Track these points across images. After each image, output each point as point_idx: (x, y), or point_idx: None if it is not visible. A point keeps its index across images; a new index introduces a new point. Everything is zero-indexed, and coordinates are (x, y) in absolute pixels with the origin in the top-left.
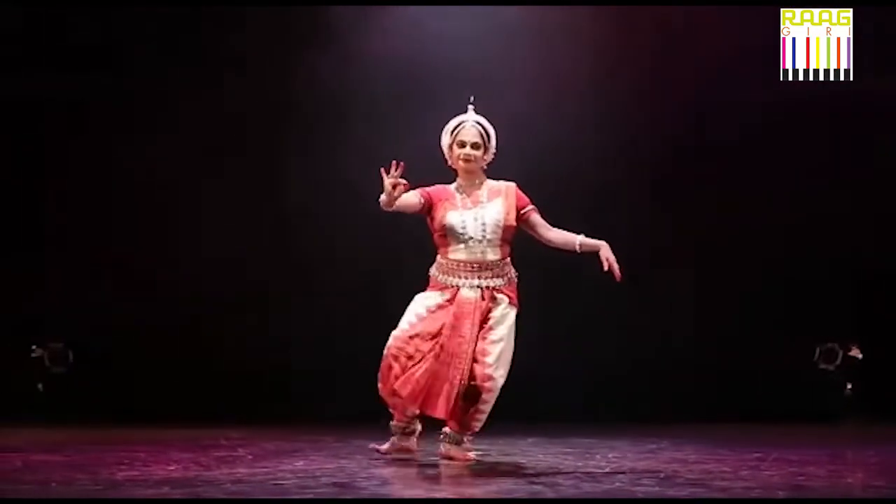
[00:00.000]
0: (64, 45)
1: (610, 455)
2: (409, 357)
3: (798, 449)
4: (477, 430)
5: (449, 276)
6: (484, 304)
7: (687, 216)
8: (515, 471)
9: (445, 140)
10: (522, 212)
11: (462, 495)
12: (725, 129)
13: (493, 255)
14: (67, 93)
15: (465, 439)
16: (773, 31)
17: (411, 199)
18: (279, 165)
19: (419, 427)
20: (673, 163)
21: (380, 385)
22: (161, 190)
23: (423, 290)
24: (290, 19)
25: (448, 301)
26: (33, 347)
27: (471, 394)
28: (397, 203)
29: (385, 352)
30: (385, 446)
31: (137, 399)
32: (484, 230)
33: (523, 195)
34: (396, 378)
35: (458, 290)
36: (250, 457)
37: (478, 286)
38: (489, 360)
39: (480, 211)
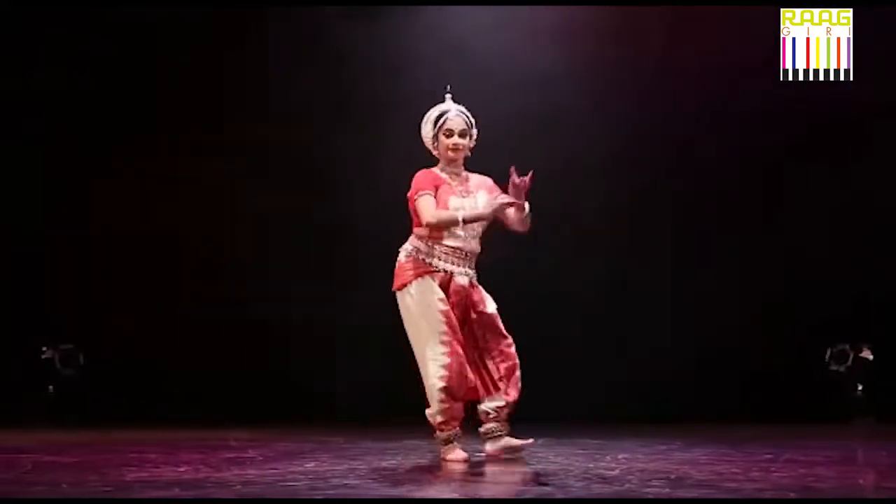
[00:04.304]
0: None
1: (620, 456)
2: (464, 363)
3: (809, 450)
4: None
5: (441, 261)
6: (474, 291)
7: (692, 217)
8: (525, 472)
9: (428, 130)
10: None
11: (472, 496)
12: (725, 129)
13: (477, 246)
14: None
15: (506, 428)
16: (773, 31)
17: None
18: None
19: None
20: (675, 163)
21: (443, 406)
22: (173, 192)
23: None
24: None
25: (443, 290)
26: (44, 349)
27: (511, 373)
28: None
29: (445, 373)
30: (455, 455)
31: (147, 400)
32: None
33: (495, 187)
34: (464, 389)
35: (452, 276)
36: (260, 458)
37: (466, 274)
38: (508, 337)
39: (474, 200)
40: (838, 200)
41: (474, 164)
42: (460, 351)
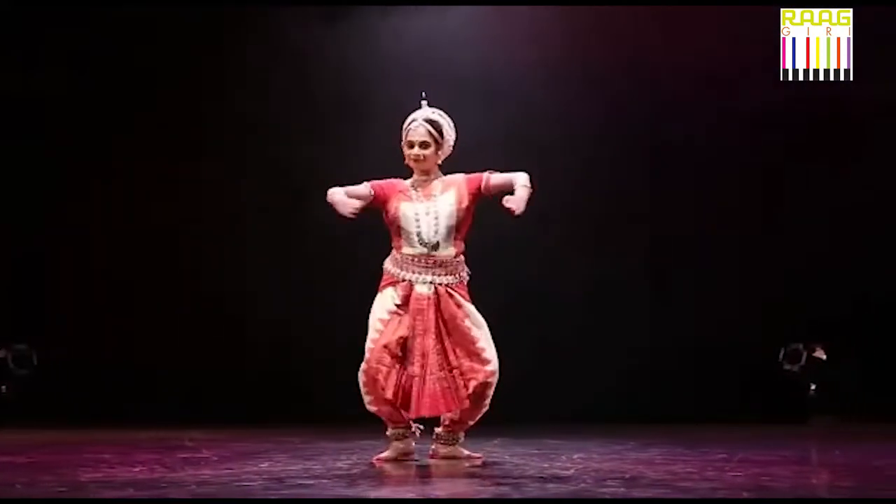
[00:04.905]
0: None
1: (576, 456)
2: (390, 365)
3: (763, 450)
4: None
5: (402, 269)
6: (441, 301)
7: (692, 217)
8: (481, 472)
9: (403, 138)
10: (482, 183)
11: (428, 496)
12: (725, 129)
13: (445, 251)
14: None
15: (460, 438)
16: (773, 31)
17: (361, 190)
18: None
19: (417, 431)
20: (674, 162)
21: (369, 398)
22: (172, 192)
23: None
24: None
25: (404, 298)
26: None
27: (477, 394)
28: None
29: (364, 366)
30: (386, 454)
31: (102, 401)
32: (437, 223)
33: (474, 176)
34: (383, 389)
35: (412, 285)
36: (215, 458)
37: (430, 282)
38: (486, 355)
39: (433, 204)
40: (838, 200)
41: (475, 164)
42: (386, 359)
